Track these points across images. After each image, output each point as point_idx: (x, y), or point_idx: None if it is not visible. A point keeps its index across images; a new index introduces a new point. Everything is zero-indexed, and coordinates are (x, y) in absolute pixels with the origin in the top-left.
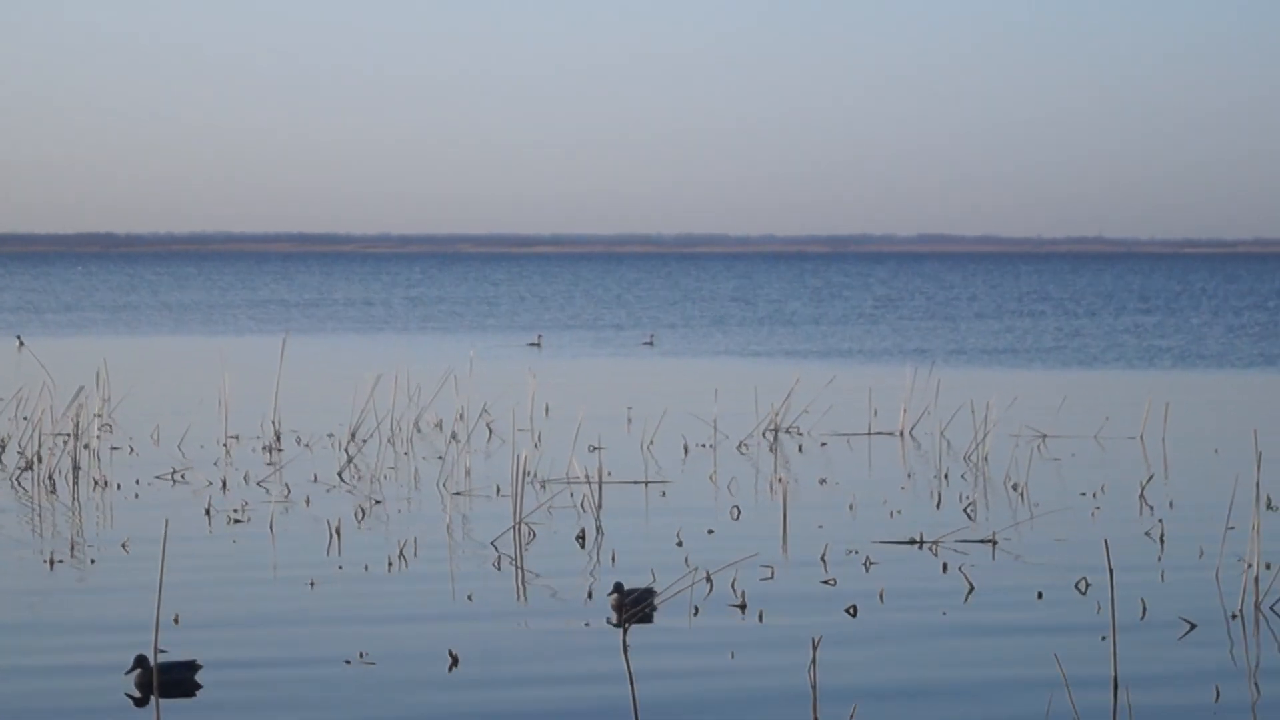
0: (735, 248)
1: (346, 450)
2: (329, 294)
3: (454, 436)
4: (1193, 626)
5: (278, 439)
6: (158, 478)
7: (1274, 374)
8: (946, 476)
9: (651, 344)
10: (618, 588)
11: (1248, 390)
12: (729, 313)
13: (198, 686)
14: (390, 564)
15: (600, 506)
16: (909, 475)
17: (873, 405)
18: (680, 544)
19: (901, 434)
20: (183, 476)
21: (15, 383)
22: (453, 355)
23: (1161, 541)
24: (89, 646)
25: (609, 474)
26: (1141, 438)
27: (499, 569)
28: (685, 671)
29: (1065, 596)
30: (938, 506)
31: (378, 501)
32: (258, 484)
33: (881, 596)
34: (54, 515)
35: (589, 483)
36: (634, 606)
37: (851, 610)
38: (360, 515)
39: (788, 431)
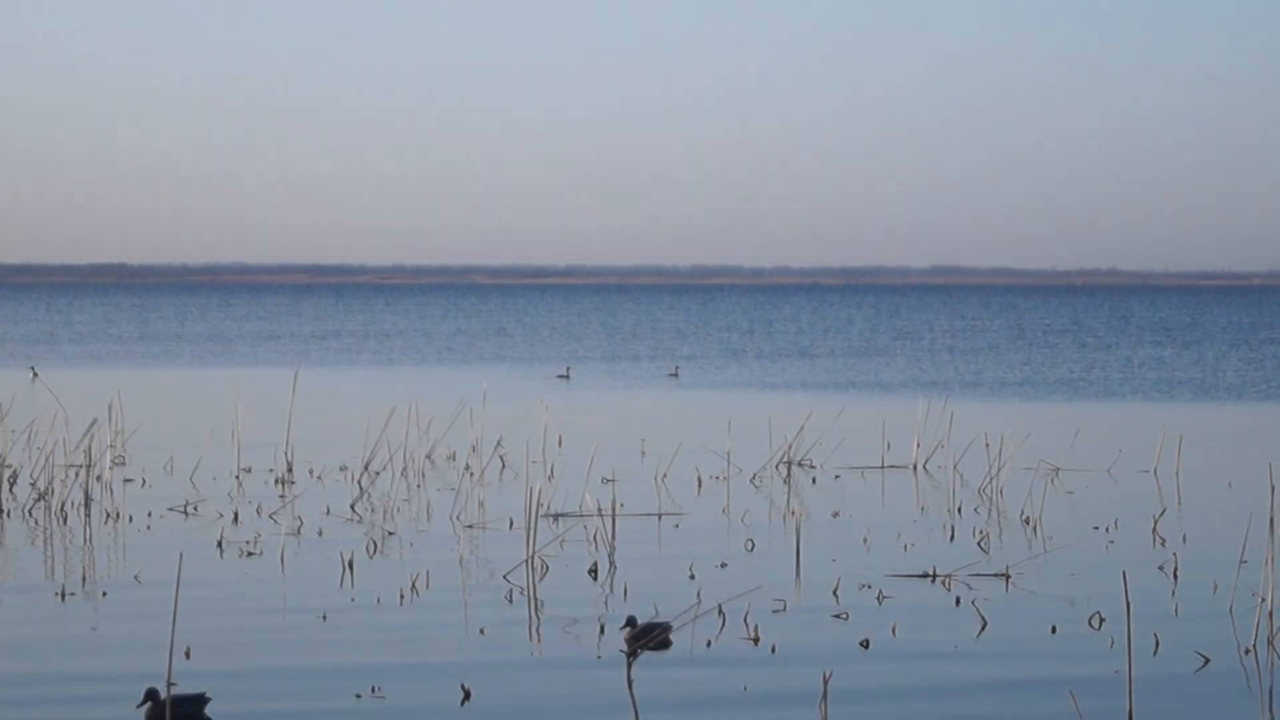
0: (749, 279)
1: (359, 482)
2: (345, 325)
3: (467, 469)
4: (1207, 661)
5: (290, 471)
6: (170, 510)
7: None
8: (960, 510)
9: (676, 375)
10: (630, 622)
11: (1262, 423)
12: (748, 344)
13: (207, 719)
14: (403, 597)
15: (613, 539)
16: (922, 509)
17: (886, 438)
18: (693, 577)
19: (915, 467)
20: (195, 509)
21: (29, 414)
22: (476, 387)
23: (1175, 576)
24: (101, 679)
25: (622, 506)
26: (1155, 471)
27: (512, 602)
28: (698, 704)
29: (1079, 631)
30: (951, 540)
31: (390, 534)
32: (270, 516)
33: (894, 630)
34: (66, 547)
35: (602, 515)
36: (648, 638)
37: (864, 644)
38: (373, 548)
39: (800, 464)
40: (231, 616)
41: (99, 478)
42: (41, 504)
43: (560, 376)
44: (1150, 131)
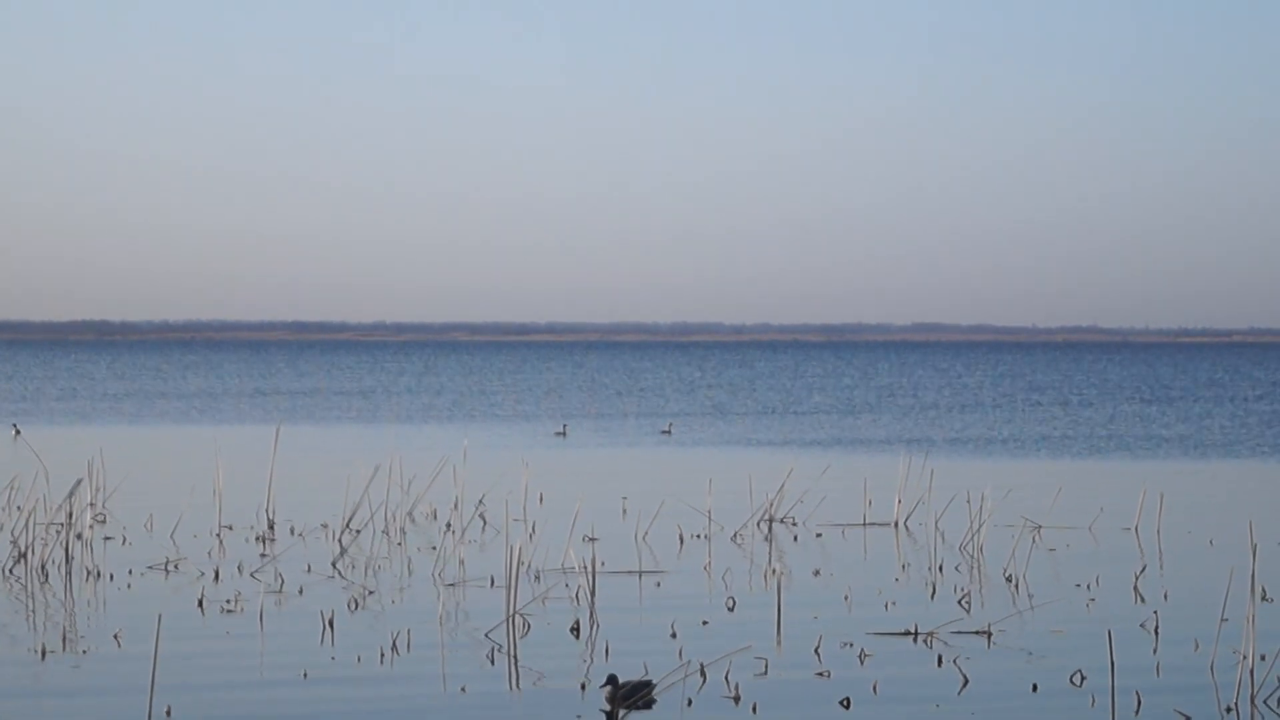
0: (730, 336)
1: (340, 540)
2: (331, 383)
3: (448, 527)
4: (1188, 719)
5: (271, 529)
6: (150, 568)
7: (1272, 464)
8: (941, 568)
9: (669, 433)
10: (611, 680)
11: (1243, 481)
12: (735, 402)
13: None
14: (383, 655)
15: (595, 597)
16: (904, 566)
17: (868, 495)
18: (674, 635)
19: (896, 525)
20: (175, 567)
21: (10, 472)
22: (472, 445)
23: (1156, 633)
24: None
25: (603, 564)
26: (1136, 529)
27: (493, 661)
28: None
29: (1060, 689)
30: (932, 598)
31: (371, 592)
32: (251, 574)
33: (876, 688)
34: (46, 606)
35: (583, 573)
36: (629, 698)
37: (846, 703)
38: (354, 606)
39: (782, 521)
40: (212, 675)
41: (79, 536)
42: (22, 562)
43: (558, 434)
44: (1131, 190)
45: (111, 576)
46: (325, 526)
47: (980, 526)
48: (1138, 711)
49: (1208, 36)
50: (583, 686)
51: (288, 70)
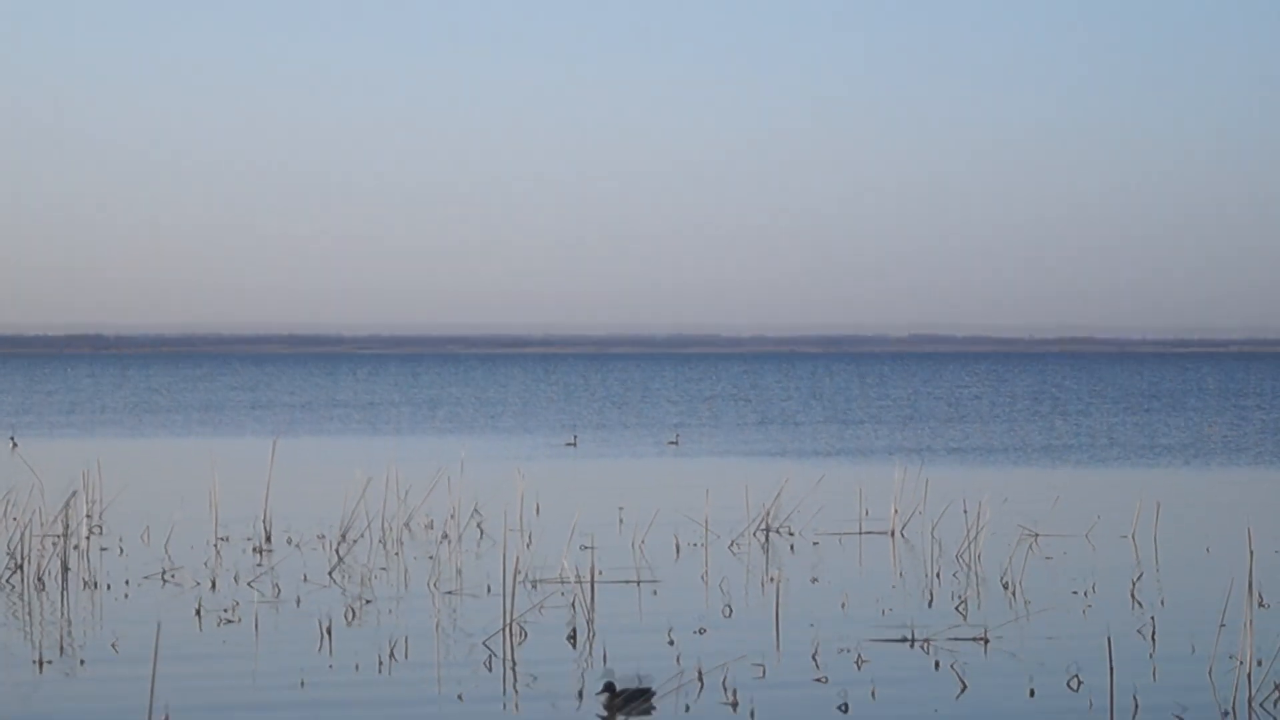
0: (727, 347)
1: (337, 550)
2: (330, 395)
3: (445, 536)
4: None
5: (268, 539)
6: (147, 578)
7: (1269, 471)
8: (939, 575)
9: (676, 443)
10: (608, 687)
11: (1240, 488)
12: (738, 412)
13: None
14: (381, 663)
15: (592, 605)
16: (901, 574)
17: (864, 504)
18: (672, 643)
19: (893, 533)
20: (173, 577)
21: (7, 484)
22: (480, 456)
23: (1153, 639)
24: None
25: (600, 573)
26: (1133, 536)
27: (490, 669)
28: None
29: (1057, 694)
30: (930, 604)
31: (368, 601)
32: (248, 584)
33: (874, 694)
34: (43, 616)
35: (580, 582)
36: (627, 704)
37: (844, 708)
38: (351, 615)
39: (778, 530)
40: (210, 684)
41: (76, 547)
42: (19, 573)
43: (569, 444)
44: (1127, 199)
45: (109, 587)
46: (322, 537)
47: (977, 534)
48: (1135, 715)
49: (1208, 42)
50: (580, 694)
51: (283, 74)
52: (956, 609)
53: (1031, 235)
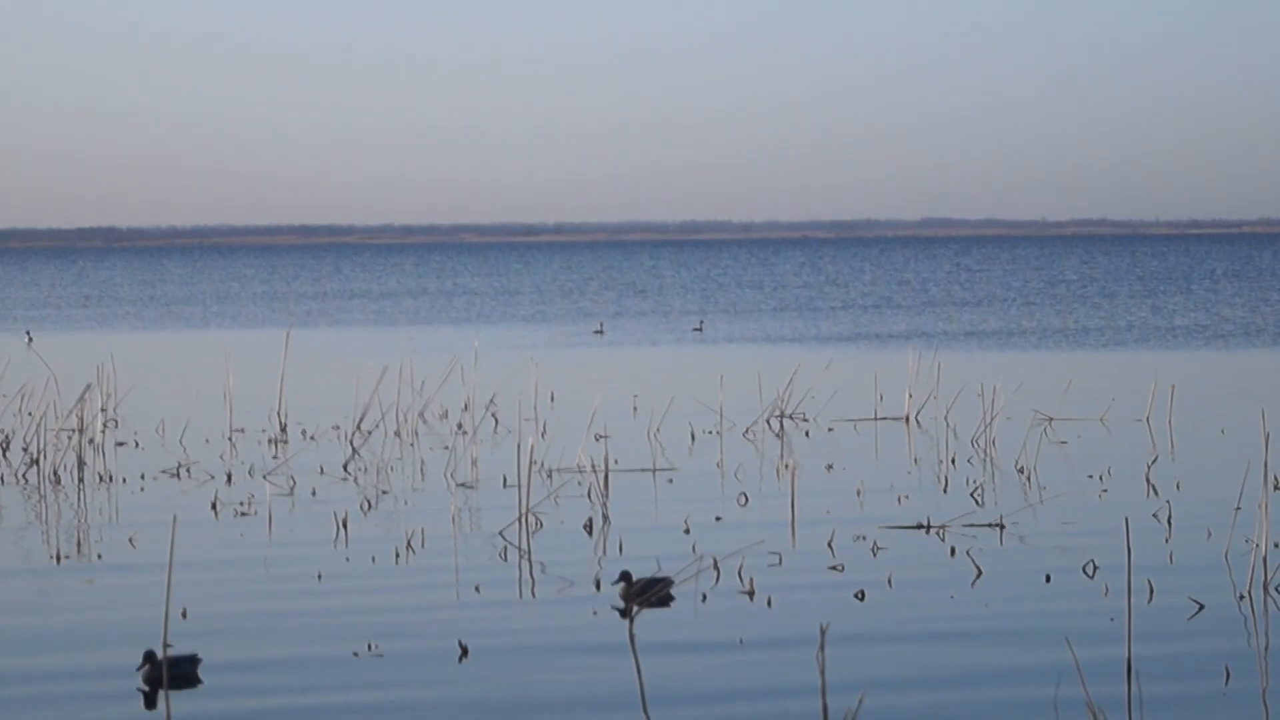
0: (739, 234)
1: (352, 442)
2: (349, 286)
3: (460, 427)
4: (1201, 607)
5: (283, 432)
6: (163, 472)
7: None
8: (954, 461)
9: (700, 330)
10: (625, 576)
11: (1255, 370)
12: (762, 299)
13: (200, 681)
14: (398, 555)
15: (607, 495)
16: (915, 460)
17: (879, 390)
18: (688, 531)
19: (908, 419)
20: (188, 471)
21: (23, 378)
22: (511, 344)
23: (1169, 523)
24: (96, 641)
25: (615, 462)
26: (1148, 420)
27: (506, 559)
28: (693, 658)
29: (1073, 580)
30: (945, 491)
31: (384, 493)
32: (263, 477)
33: (890, 582)
34: (59, 511)
35: (595, 472)
36: (644, 594)
37: (860, 595)
38: (367, 507)
39: (792, 417)
40: (227, 577)
41: (91, 441)
42: (34, 468)
43: (596, 333)
44: (1140, 82)
45: (124, 481)
46: (337, 429)
47: (992, 419)
48: (1150, 600)
49: None
50: (597, 583)
51: None
52: (972, 495)
53: (1044, 119)
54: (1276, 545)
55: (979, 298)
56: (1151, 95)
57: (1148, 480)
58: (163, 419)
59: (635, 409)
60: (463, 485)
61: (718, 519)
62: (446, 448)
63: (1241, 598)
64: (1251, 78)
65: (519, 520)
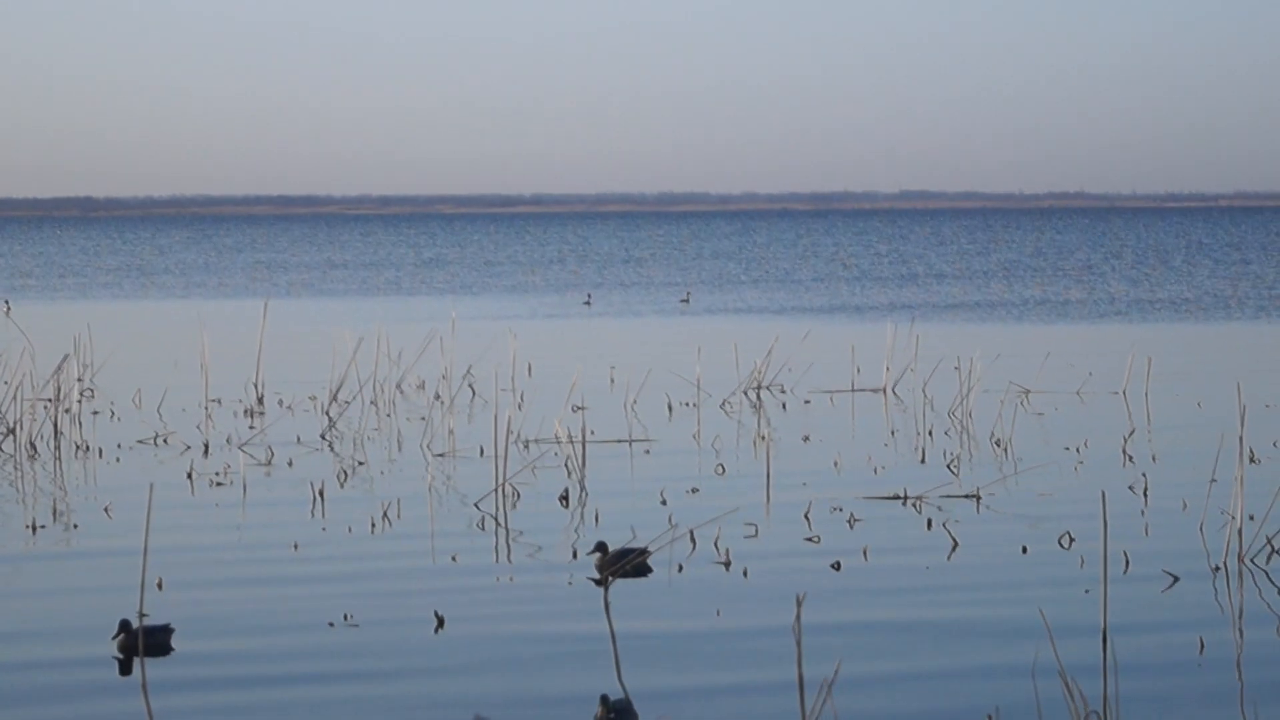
0: (716, 206)
1: (328, 412)
2: (330, 256)
3: (437, 398)
4: (1176, 579)
5: (260, 402)
6: (139, 442)
7: (1260, 325)
8: (930, 433)
9: (688, 301)
10: (600, 546)
11: (1231, 343)
12: (745, 271)
13: (172, 649)
14: (374, 525)
15: (584, 466)
16: (892, 432)
17: (856, 362)
18: (664, 502)
19: (885, 391)
20: (164, 440)
21: None
22: (496, 316)
23: (1145, 495)
24: (73, 611)
25: (592, 433)
26: (1124, 392)
27: (483, 529)
28: (670, 628)
29: (1049, 551)
30: (921, 462)
31: (361, 463)
32: (240, 447)
33: (865, 553)
34: (35, 480)
35: (572, 442)
36: (619, 564)
37: (836, 566)
38: (343, 477)
39: (769, 389)
40: (203, 547)
41: (68, 411)
42: (10, 438)
43: (585, 303)
44: (1116, 55)
45: (101, 451)
46: (314, 399)
47: (969, 392)
48: (1126, 571)
49: None
50: (574, 554)
51: None
52: (948, 467)
53: (1021, 92)
54: (1251, 518)
55: (958, 270)
56: (1128, 69)
57: (1124, 452)
58: (140, 388)
59: (613, 380)
60: (439, 456)
61: (694, 490)
62: (423, 418)
63: (1216, 569)
64: (1228, 52)
65: (496, 491)
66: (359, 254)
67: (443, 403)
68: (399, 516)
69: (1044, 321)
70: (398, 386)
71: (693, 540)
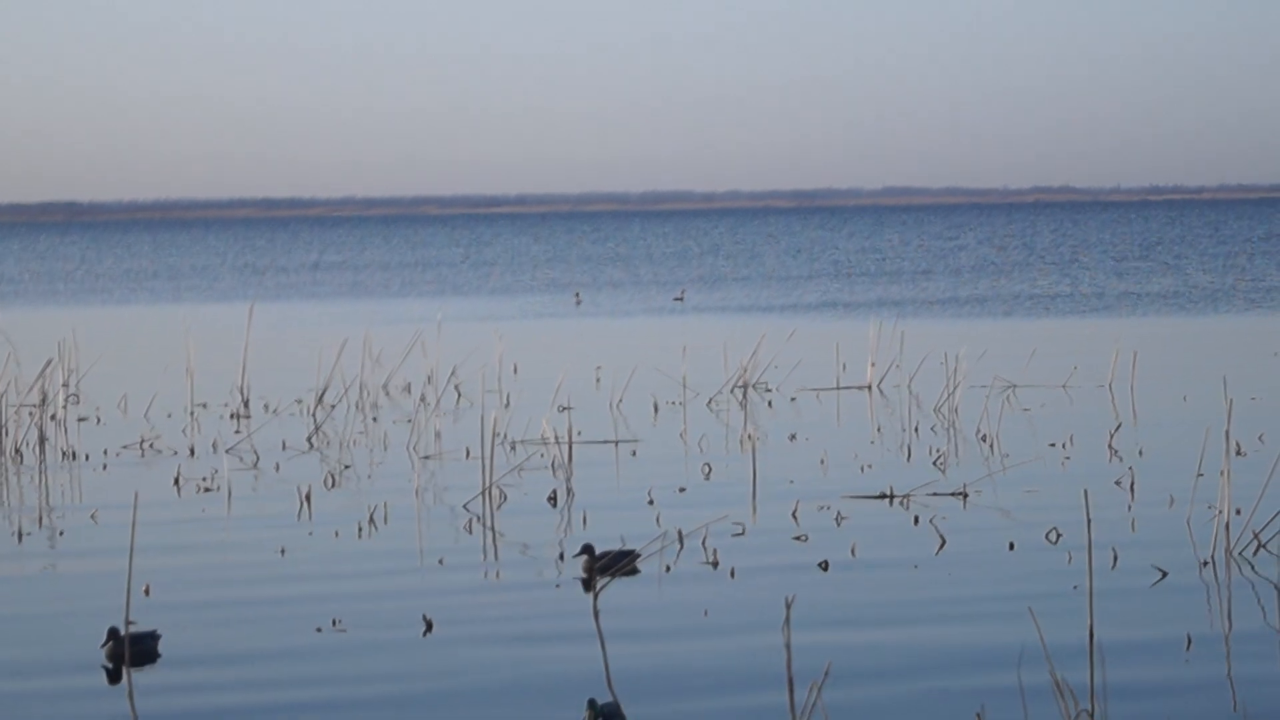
0: (700, 204)
1: (314, 416)
2: (320, 258)
3: (423, 400)
4: (1164, 574)
5: (246, 406)
6: (125, 448)
7: (1246, 318)
8: (917, 430)
9: (682, 299)
10: (587, 549)
11: (1219, 336)
12: (737, 269)
13: (159, 656)
14: (361, 529)
15: (571, 467)
16: (879, 429)
17: (841, 359)
18: (651, 503)
19: (870, 388)
20: (151, 446)
21: None
22: (488, 317)
23: (1131, 490)
24: (60, 616)
25: (579, 434)
26: (1110, 386)
27: (470, 532)
28: (658, 630)
29: (1036, 547)
30: (908, 460)
31: (347, 467)
32: (226, 452)
33: (854, 550)
34: (21, 487)
35: (559, 443)
36: (606, 567)
37: (824, 565)
38: (330, 481)
39: (755, 387)
40: (190, 552)
41: (53, 417)
42: None
43: (575, 303)
44: (1101, 49)
45: (87, 457)
46: (300, 402)
47: (955, 388)
48: (1114, 567)
49: None
50: (561, 555)
51: None
52: (935, 464)
53: (1005, 87)
54: (1238, 512)
55: (943, 265)
56: (1112, 63)
57: (1110, 447)
58: (125, 394)
59: (598, 380)
60: (426, 458)
61: (681, 490)
62: (409, 421)
63: (1204, 564)
64: (1211, 45)
65: (483, 493)
66: (345, 256)
67: (429, 405)
68: (386, 520)
69: (1030, 316)
70: (383, 389)
71: (681, 541)
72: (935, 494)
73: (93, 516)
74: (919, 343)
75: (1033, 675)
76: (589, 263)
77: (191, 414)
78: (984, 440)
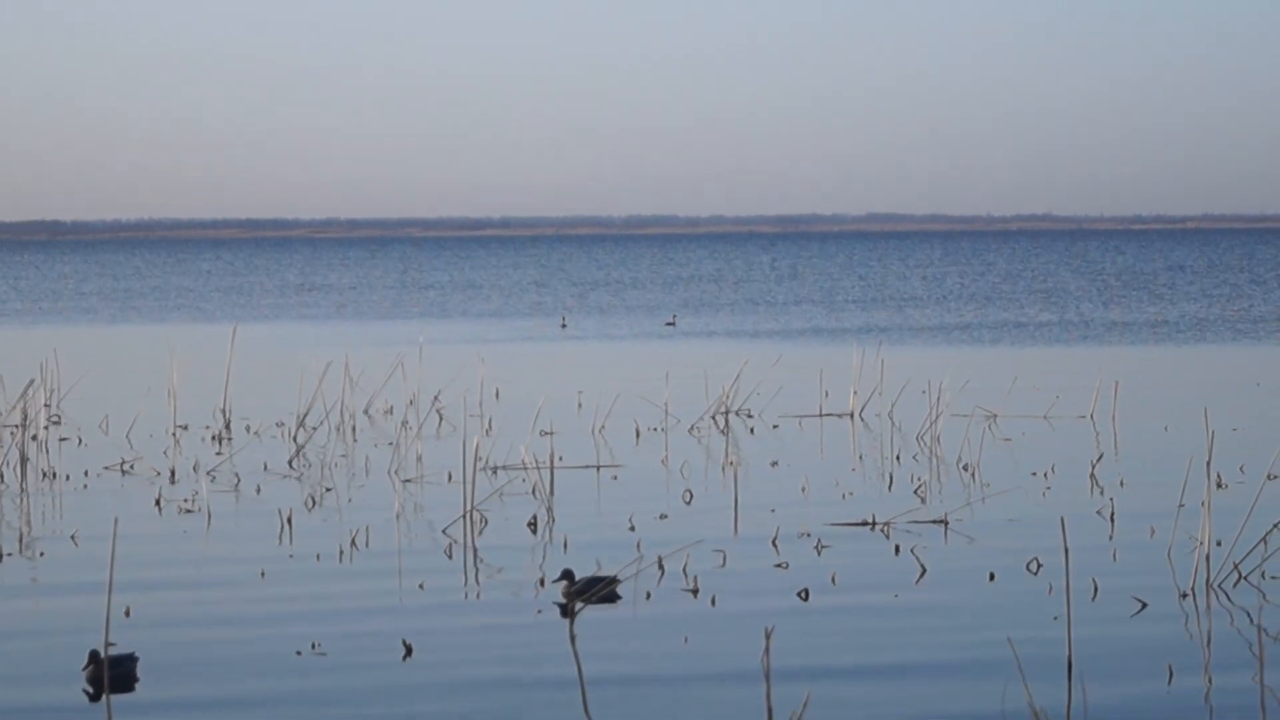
0: (684, 228)
1: (296, 438)
2: (308, 279)
3: (404, 423)
4: (1144, 605)
5: (228, 428)
6: (106, 469)
7: (1228, 348)
8: (898, 458)
9: (674, 324)
10: (567, 575)
11: (1198, 365)
12: (722, 293)
13: (137, 679)
14: (342, 553)
15: (552, 492)
16: (860, 457)
17: (824, 386)
18: (632, 528)
19: (853, 415)
20: (132, 467)
21: None
22: (474, 340)
23: (1112, 520)
24: (39, 636)
25: (560, 459)
26: (1092, 416)
27: (451, 557)
28: (637, 656)
29: (1017, 577)
30: (889, 488)
31: (328, 490)
32: (208, 474)
33: (834, 579)
34: (1, 508)
35: (540, 468)
36: (585, 592)
37: (804, 594)
38: (311, 504)
39: (738, 414)
40: (170, 574)
41: (34, 437)
42: None
43: (562, 326)
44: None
45: (68, 478)
46: (282, 425)
47: (937, 416)
48: (1094, 598)
49: None
50: (542, 581)
51: None
52: (916, 492)
53: (989, 114)
54: (1219, 543)
55: (928, 293)
56: (1097, 91)
57: (1092, 477)
58: (107, 415)
59: (580, 405)
60: (407, 482)
61: (662, 516)
62: (391, 444)
63: (1184, 596)
64: (1196, 74)
65: (463, 517)
66: (329, 278)
67: (410, 428)
68: (367, 544)
69: (1012, 344)
70: (365, 412)
71: (661, 567)
72: (916, 522)
73: (73, 538)
74: (901, 370)
75: (1013, 705)
76: (576, 286)
77: (173, 435)
78: (965, 469)
